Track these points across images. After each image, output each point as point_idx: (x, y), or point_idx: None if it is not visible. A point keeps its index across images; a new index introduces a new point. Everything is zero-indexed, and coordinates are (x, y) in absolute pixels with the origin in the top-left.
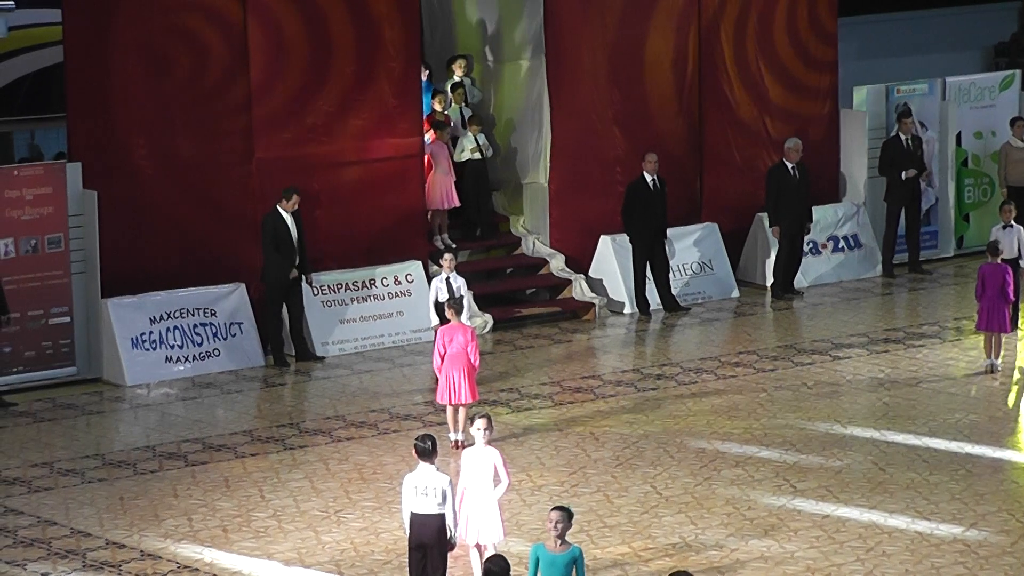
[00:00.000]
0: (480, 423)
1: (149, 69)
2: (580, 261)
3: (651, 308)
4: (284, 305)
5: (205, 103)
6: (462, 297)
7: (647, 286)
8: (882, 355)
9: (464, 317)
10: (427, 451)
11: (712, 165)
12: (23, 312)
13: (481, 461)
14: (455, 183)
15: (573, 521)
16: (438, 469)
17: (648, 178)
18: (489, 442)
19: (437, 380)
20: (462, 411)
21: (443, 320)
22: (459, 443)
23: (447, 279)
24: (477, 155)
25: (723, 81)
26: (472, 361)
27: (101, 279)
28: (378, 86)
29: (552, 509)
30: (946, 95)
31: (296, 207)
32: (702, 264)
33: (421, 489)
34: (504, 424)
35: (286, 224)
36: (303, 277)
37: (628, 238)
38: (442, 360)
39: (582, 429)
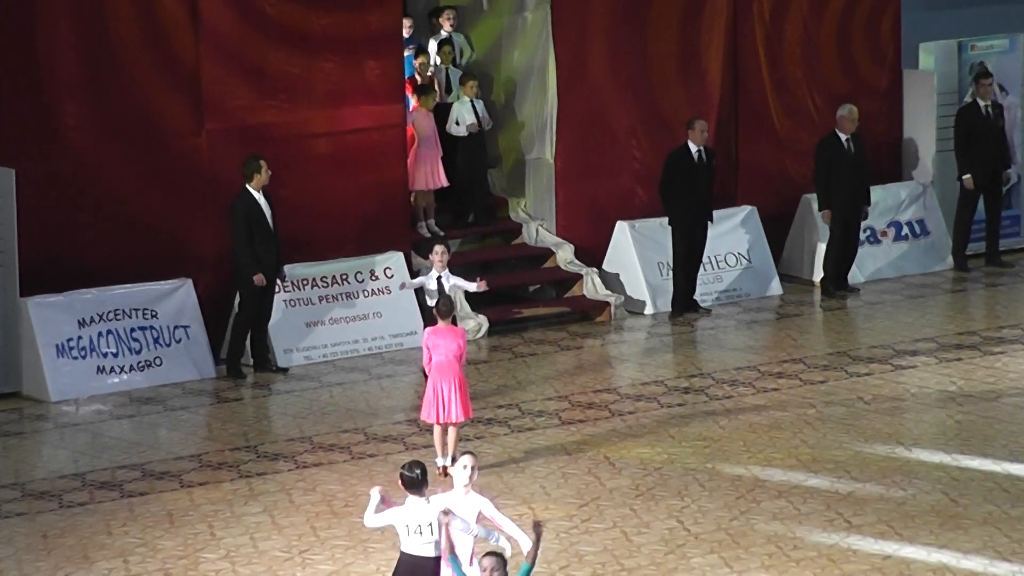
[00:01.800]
0: (466, 462)
1: (81, 21)
2: (592, 252)
3: (668, 307)
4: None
5: (146, 62)
6: (451, 297)
7: (658, 277)
8: (953, 364)
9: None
10: (416, 481)
11: (749, 136)
12: None
13: (463, 513)
14: (443, 159)
15: (582, 563)
16: (429, 501)
17: (693, 148)
18: (472, 486)
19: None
20: (452, 431)
21: (430, 320)
22: (448, 470)
23: (439, 279)
24: (474, 126)
25: (760, 36)
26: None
27: (20, 274)
28: (351, 42)
29: (484, 555)
30: None
31: (268, 180)
32: (738, 255)
33: (413, 527)
34: (502, 447)
35: (260, 207)
36: (277, 272)
37: (668, 219)
38: (430, 360)
39: (595, 453)
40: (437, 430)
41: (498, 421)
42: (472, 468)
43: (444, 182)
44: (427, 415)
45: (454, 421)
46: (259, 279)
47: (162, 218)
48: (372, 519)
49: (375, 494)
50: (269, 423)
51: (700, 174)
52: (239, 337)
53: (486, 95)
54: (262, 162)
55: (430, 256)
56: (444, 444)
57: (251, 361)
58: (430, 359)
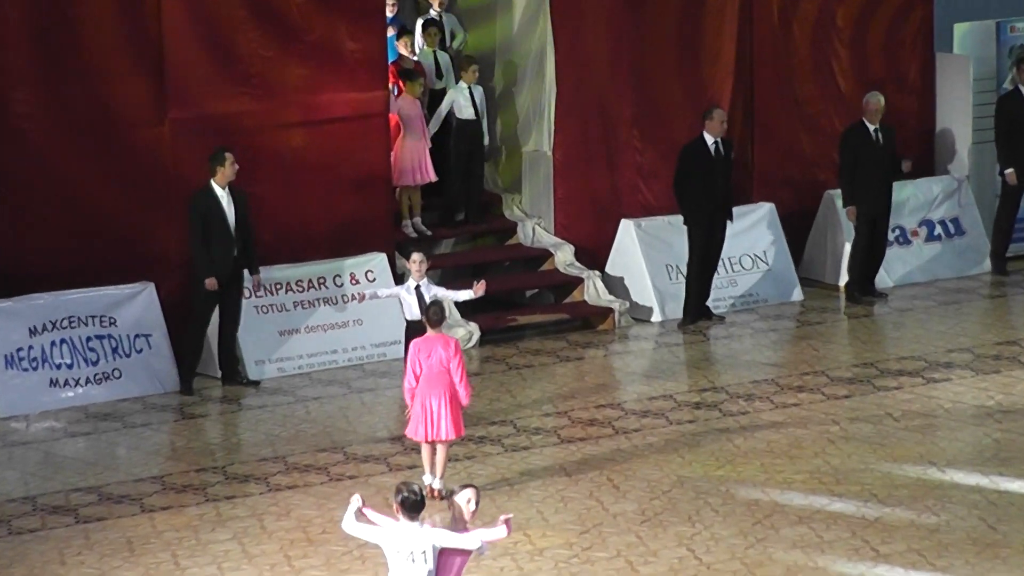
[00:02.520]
0: (469, 495)
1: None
2: (595, 253)
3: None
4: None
5: (103, 44)
6: (442, 304)
7: (667, 281)
8: (991, 377)
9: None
10: (418, 504)
11: (767, 126)
12: None
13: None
14: (431, 152)
15: None
16: (423, 524)
17: (709, 140)
18: (470, 520)
19: (409, 409)
20: (441, 450)
21: (415, 332)
22: (436, 490)
23: (417, 288)
24: (470, 112)
25: (779, 16)
26: (458, 384)
27: None
28: (329, 23)
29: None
30: None
31: (234, 176)
32: (755, 257)
33: (405, 553)
34: (495, 468)
35: (219, 205)
36: (243, 276)
37: (683, 218)
38: (416, 382)
39: (597, 474)
40: (425, 449)
41: (491, 439)
42: (475, 503)
43: (432, 176)
44: (414, 432)
45: (444, 439)
46: (211, 283)
47: (122, 216)
48: (353, 527)
49: (355, 500)
50: (239, 441)
51: (718, 168)
52: (191, 349)
53: (487, 80)
54: (227, 155)
55: (408, 264)
56: (433, 464)
57: (219, 374)
58: (416, 380)
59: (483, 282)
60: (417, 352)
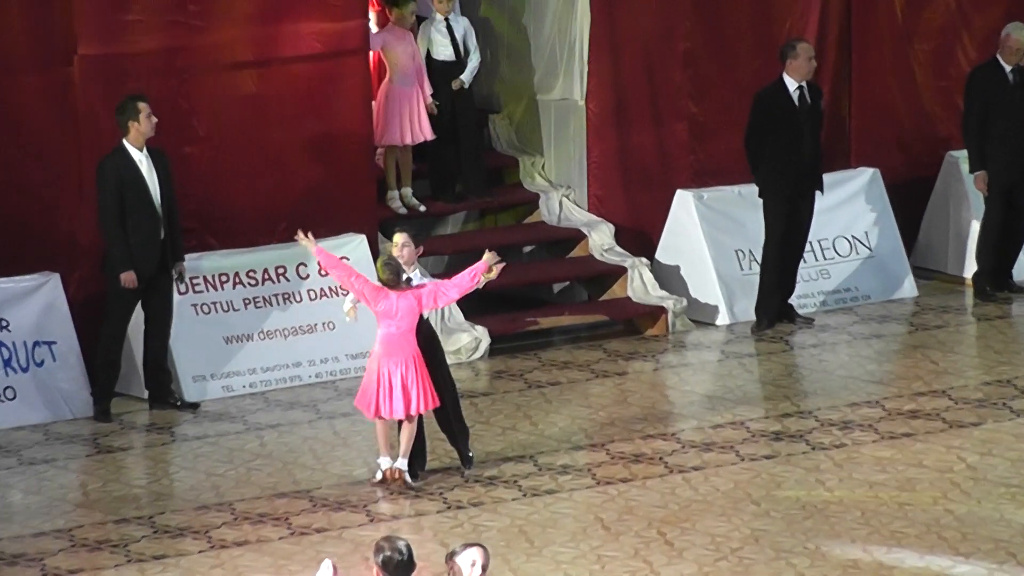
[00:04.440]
0: (474, 557)
1: None
2: (641, 234)
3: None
4: (132, 319)
5: None
6: (396, 260)
7: (736, 270)
8: None
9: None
10: (403, 567)
11: (868, 68)
12: None
13: None
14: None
15: None
16: None
17: (792, 85)
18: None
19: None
20: (406, 427)
21: None
22: (399, 472)
23: (408, 281)
24: (448, 52)
25: None
26: (446, 291)
27: None
28: None
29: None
30: None
31: (152, 132)
32: (853, 241)
33: None
34: (510, 519)
35: (137, 171)
36: (171, 266)
37: (757, 188)
38: (353, 275)
39: (645, 527)
40: (379, 427)
41: (504, 481)
42: (483, 568)
43: (428, 134)
44: (367, 407)
45: (403, 417)
46: (128, 278)
47: (15, 186)
48: None
49: (327, 567)
50: (171, 483)
51: (803, 122)
52: (106, 362)
53: (472, 10)
54: (140, 104)
55: (391, 249)
56: (388, 443)
57: (146, 394)
58: (355, 277)
59: (493, 253)
60: (372, 295)
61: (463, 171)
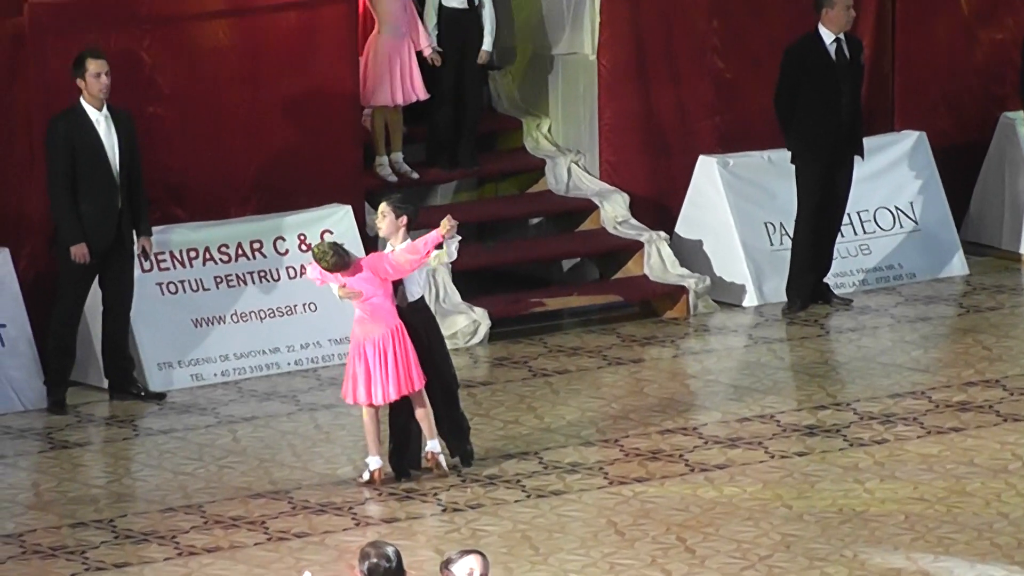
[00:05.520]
0: (472, 564)
1: None
2: (659, 205)
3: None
4: (87, 298)
5: None
6: (337, 243)
7: (765, 245)
8: None
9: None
10: (390, 574)
11: (914, 18)
12: None
13: None
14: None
15: None
16: None
17: (828, 38)
18: None
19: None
20: (420, 412)
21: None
22: (433, 455)
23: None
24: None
25: None
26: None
27: None
28: None
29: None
30: None
31: (106, 90)
32: (896, 213)
33: None
34: (512, 522)
35: (94, 133)
36: (132, 239)
37: (789, 153)
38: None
39: (663, 532)
40: (366, 415)
41: (506, 480)
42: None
43: (421, 93)
44: (354, 394)
45: (395, 398)
46: (79, 252)
47: None
48: None
49: None
50: (134, 483)
51: (841, 79)
52: (60, 347)
53: None
54: (93, 60)
55: (377, 223)
56: (378, 438)
57: (105, 383)
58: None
59: (453, 223)
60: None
61: (458, 134)
